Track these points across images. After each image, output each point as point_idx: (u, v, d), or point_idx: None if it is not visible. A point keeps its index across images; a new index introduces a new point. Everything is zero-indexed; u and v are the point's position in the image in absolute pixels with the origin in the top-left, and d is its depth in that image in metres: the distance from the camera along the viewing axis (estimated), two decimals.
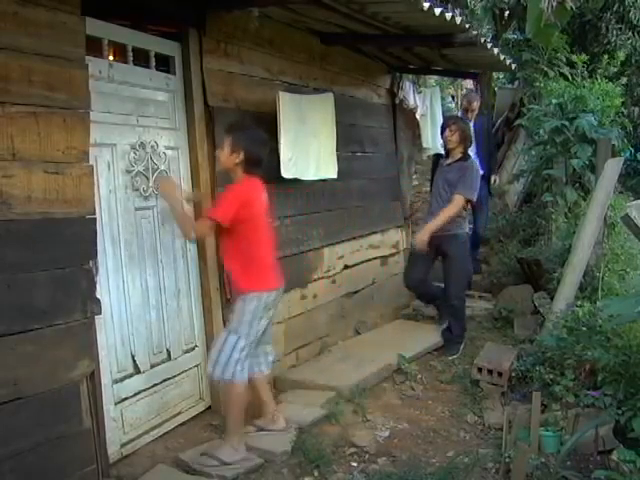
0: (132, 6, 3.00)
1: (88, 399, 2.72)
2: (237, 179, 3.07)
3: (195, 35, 3.45)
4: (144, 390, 3.23)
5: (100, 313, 2.81)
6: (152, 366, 3.29)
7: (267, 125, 3.85)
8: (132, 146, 3.15)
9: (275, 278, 3.18)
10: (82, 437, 2.70)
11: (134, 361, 3.18)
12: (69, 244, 2.62)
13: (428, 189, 5.54)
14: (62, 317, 2.58)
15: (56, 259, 2.56)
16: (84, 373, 2.70)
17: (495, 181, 6.61)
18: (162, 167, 3.33)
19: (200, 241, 3.40)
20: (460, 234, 4.65)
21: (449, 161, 4.70)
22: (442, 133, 4.75)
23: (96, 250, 2.77)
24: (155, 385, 3.30)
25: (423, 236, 4.50)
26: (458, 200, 4.52)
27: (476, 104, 6.35)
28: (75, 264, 2.65)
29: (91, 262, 2.72)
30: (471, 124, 5.72)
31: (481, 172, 5.51)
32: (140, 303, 3.22)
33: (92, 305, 2.73)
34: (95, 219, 2.77)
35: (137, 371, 3.20)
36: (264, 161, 3.11)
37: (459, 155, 4.65)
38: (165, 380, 3.37)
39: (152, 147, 3.27)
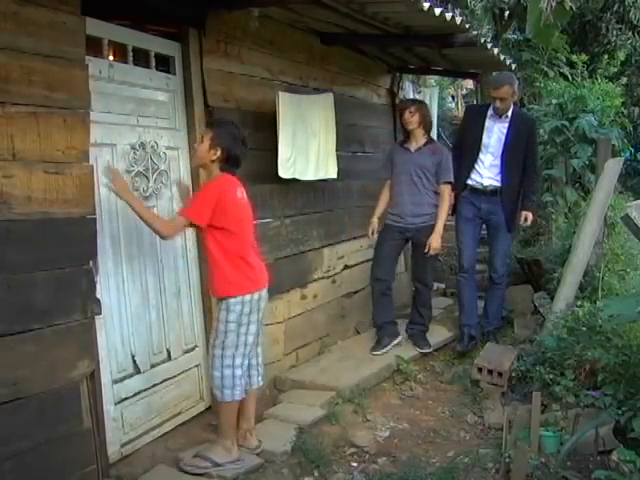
0: (132, 6, 3.00)
1: (88, 399, 2.72)
2: (212, 177, 2.97)
3: (195, 35, 3.45)
4: (144, 390, 3.23)
5: (100, 313, 2.81)
6: (152, 366, 3.29)
7: (267, 125, 3.86)
8: (132, 146, 3.14)
9: (257, 280, 3.04)
10: (82, 437, 2.70)
11: (134, 361, 3.18)
12: (69, 244, 2.62)
13: None
14: (62, 317, 2.59)
15: (56, 259, 2.56)
16: (84, 373, 2.70)
17: (526, 220, 4.51)
18: (162, 167, 3.32)
19: (171, 239, 3.09)
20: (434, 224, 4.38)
21: (414, 146, 4.44)
22: (401, 116, 4.46)
23: (96, 250, 2.77)
24: (155, 385, 3.30)
25: (437, 241, 4.32)
26: (448, 190, 4.41)
27: (507, 89, 4.20)
28: (75, 264, 2.65)
29: (91, 262, 2.72)
30: (502, 125, 4.42)
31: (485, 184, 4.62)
32: (140, 303, 3.22)
33: (92, 305, 2.73)
34: (95, 219, 2.77)
35: (137, 371, 3.19)
36: (241, 161, 3.02)
37: (424, 139, 4.44)
38: (165, 380, 3.36)
39: (152, 147, 3.26)
